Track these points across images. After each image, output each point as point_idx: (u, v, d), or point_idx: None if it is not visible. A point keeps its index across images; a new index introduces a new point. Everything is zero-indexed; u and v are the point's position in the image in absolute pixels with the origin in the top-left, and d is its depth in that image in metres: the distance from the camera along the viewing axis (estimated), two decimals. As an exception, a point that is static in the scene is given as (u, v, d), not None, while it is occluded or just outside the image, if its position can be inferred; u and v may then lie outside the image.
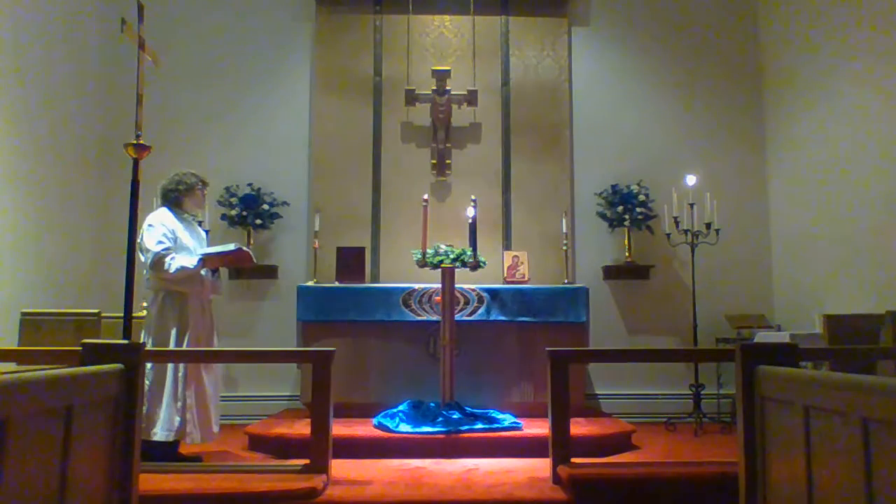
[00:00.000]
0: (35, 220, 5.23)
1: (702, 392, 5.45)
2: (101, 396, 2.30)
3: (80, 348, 2.50)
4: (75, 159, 5.80)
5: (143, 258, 4.08)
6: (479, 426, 4.61)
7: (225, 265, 4.46)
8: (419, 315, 5.47)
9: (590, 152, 6.44)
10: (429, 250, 5.16)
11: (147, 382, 3.86)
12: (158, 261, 4.04)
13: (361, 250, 5.88)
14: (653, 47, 6.59)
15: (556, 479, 3.56)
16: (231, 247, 4.28)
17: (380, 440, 4.51)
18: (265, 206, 6.14)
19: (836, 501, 1.92)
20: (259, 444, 4.65)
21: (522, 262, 5.94)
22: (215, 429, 4.22)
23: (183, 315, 4.13)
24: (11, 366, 3.79)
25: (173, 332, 4.08)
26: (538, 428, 4.53)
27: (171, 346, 4.04)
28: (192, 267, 4.09)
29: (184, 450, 4.18)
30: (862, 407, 1.77)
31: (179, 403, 4.00)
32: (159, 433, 3.93)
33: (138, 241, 4.02)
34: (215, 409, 4.24)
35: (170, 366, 4.02)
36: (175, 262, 4.05)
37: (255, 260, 4.51)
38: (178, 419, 3.98)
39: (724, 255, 6.11)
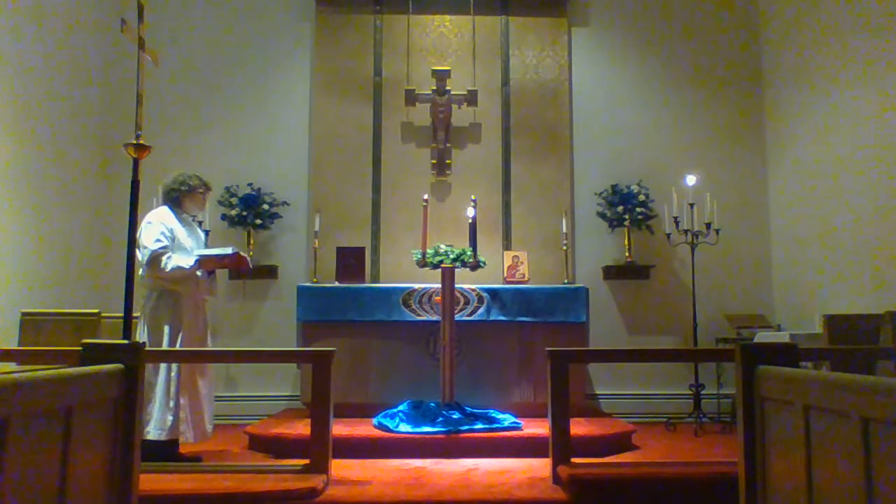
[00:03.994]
0: (35, 220, 5.23)
1: (702, 392, 5.45)
2: (101, 396, 2.30)
3: (80, 348, 2.50)
4: (75, 159, 5.80)
5: (139, 255, 4.07)
6: (479, 426, 4.61)
7: (221, 268, 4.45)
8: (419, 315, 5.47)
9: (590, 152, 6.44)
10: (429, 250, 5.16)
11: None
12: (155, 258, 4.04)
13: (361, 250, 5.88)
14: (653, 47, 6.58)
15: (556, 479, 3.56)
16: (229, 250, 4.27)
17: (380, 440, 4.51)
18: (265, 206, 6.14)
19: (836, 501, 1.92)
20: (259, 444, 4.64)
21: (522, 262, 5.94)
22: (209, 428, 4.22)
23: (177, 314, 4.12)
24: (11, 366, 3.79)
25: (166, 331, 4.08)
26: (538, 428, 4.53)
27: (165, 346, 4.04)
28: (187, 267, 4.08)
29: (184, 450, 4.18)
30: (862, 407, 1.77)
31: (172, 402, 3.99)
32: (152, 432, 3.93)
33: (137, 237, 4.01)
34: (209, 409, 4.24)
35: (163, 365, 4.01)
36: (171, 262, 4.05)
37: (251, 266, 4.52)
38: (170, 418, 3.97)
39: (724, 255, 6.11)
